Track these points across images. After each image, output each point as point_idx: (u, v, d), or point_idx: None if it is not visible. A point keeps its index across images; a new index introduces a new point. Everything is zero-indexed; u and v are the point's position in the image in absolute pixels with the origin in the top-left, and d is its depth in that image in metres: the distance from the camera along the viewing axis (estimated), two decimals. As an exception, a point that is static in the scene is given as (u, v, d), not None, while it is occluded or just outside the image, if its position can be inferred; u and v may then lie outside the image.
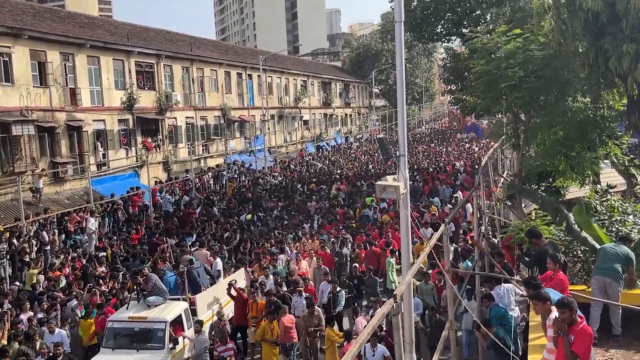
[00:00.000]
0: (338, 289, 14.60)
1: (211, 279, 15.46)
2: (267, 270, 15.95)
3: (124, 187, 27.89)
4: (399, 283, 11.72)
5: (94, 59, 31.01)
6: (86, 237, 20.64)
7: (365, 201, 25.57)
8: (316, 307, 13.45)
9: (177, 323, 12.90)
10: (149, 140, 34.89)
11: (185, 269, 14.07)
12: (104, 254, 18.92)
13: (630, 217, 13.02)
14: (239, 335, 14.53)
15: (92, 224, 21.25)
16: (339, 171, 36.84)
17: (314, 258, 17.18)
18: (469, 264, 10.79)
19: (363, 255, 17.88)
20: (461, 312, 10.22)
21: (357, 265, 16.54)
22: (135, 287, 13.50)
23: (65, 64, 28.84)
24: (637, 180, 16.67)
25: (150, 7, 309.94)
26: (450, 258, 9.95)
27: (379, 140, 7.93)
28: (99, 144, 31.05)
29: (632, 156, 16.99)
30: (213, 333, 13.44)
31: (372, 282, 15.54)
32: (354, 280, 15.81)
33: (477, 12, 31.42)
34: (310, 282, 15.43)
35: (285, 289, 14.91)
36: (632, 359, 8.35)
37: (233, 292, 14.31)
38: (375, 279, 15.61)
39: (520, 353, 9.30)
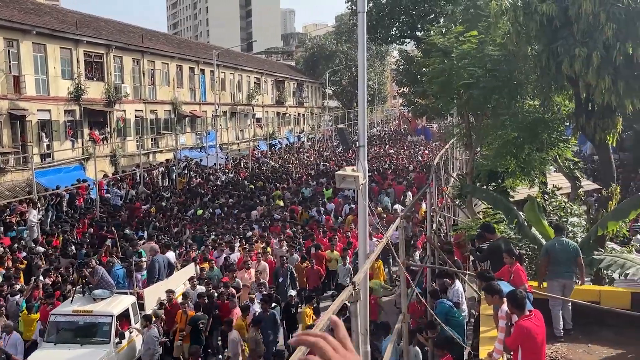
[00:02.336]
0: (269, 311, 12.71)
1: (170, 271, 15.13)
2: (194, 280, 14.61)
3: (69, 179, 26.98)
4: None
5: (40, 47, 29.93)
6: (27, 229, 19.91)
7: (325, 194, 25.56)
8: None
9: (124, 317, 12.55)
10: (97, 132, 33.95)
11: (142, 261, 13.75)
12: (42, 250, 18.17)
13: (575, 218, 13.50)
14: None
15: (34, 215, 20.49)
16: (293, 170, 36.67)
17: (252, 270, 15.49)
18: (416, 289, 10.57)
19: (307, 270, 16.15)
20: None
21: (292, 294, 14.10)
22: (81, 280, 13.05)
23: (9, 50, 27.73)
24: (580, 183, 17.18)
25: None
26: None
27: (339, 130, 7.94)
28: (43, 134, 29.96)
29: (577, 159, 17.55)
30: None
31: (269, 319, 12.38)
32: (290, 309, 13.62)
33: (431, 16, 31.90)
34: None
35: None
36: (576, 351, 8.60)
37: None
38: (273, 313, 12.56)
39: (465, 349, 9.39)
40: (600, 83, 10.57)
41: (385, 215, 20.60)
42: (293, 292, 14.35)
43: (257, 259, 16.09)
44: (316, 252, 17.27)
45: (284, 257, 15.79)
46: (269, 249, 17.53)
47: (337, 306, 5.08)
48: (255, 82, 58.77)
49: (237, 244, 18.13)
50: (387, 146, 50.41)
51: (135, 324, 12.78)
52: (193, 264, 15.98)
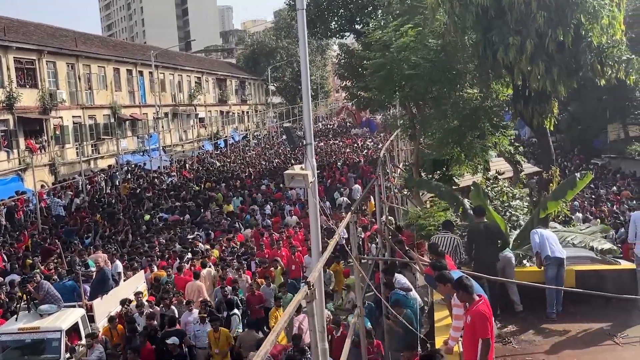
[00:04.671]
0: None
1: (115, 283, 14.71)
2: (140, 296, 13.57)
3: (7, 192, 25.94)
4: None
5: (-34, 55, 28.66)
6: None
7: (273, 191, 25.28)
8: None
9: (73, 331, 12.16)
10: (33, 141, 32.75)
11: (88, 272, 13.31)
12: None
13: (518, 201, 13.90)
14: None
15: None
16: (239, 170, 36.25)
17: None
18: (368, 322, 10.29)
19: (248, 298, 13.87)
20: None
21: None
22: (25, 296, 12.56)
23: None
24: (522, 167, 17.72)
25: (27, 1, 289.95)
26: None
27: (286, 129, 7.88)
28: (-24, 145, 28.72)
29: (517, 144, 18.07)
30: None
31: None
32: None
33: (369, 8, 32.17)
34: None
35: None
36: (527, 331, 8.86)
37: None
38: None
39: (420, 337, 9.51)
40: (534, 69, 10.90)
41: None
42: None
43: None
44: (261, 269, 15.61)
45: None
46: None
47: (294, 307, 5.06)
48: (196, 82, 57.96)
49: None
50: (331, 140, 50.56)
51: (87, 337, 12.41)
52: (142, 272, 15.62)
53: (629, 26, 12.44)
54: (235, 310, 12.82)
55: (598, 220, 19.97)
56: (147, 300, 13.38)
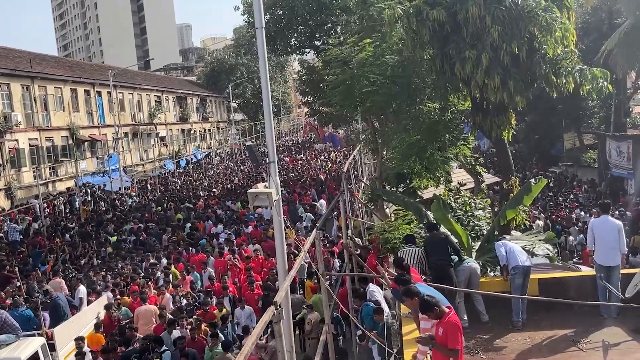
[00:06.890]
0: None
1: (75, 309, 14.28)
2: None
3: (-40, 219, 25.13)
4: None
5: None
6: None
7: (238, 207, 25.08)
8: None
9: (34, 361, 11.75)
10: (-13, 166, 31.92)
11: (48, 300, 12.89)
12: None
13: (480, 211, 14.07)
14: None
15: None
16: (200, 189, 35.74)
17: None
18: None
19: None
20: None
21: None
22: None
23: None
24: (482, 177, 17.99)
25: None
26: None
27: (248, 148, 7.87)
28: None
29: (477, 155, 18.34)
30: None
31: None
32: None
33: (328, 25, 32.43)
34: None
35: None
36: (495, 341, 8.94)
37: None
38: None
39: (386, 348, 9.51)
40: (489, 82, 11.11)
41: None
42: None
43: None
44: (202, 310, 13.40)
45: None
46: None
47: (261, 328, 5.00)
48: (156, 101, 57.39)
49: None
50: (293, 155, 50.36)
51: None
52: (105, 297, 15.20)
53: (579, 38, 12.84)
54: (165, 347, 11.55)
55: (540, 222, 20.44)
56: (91, 351, 12.12)
